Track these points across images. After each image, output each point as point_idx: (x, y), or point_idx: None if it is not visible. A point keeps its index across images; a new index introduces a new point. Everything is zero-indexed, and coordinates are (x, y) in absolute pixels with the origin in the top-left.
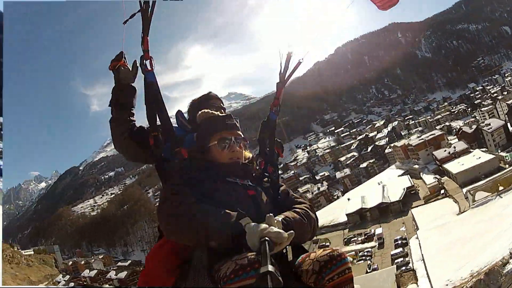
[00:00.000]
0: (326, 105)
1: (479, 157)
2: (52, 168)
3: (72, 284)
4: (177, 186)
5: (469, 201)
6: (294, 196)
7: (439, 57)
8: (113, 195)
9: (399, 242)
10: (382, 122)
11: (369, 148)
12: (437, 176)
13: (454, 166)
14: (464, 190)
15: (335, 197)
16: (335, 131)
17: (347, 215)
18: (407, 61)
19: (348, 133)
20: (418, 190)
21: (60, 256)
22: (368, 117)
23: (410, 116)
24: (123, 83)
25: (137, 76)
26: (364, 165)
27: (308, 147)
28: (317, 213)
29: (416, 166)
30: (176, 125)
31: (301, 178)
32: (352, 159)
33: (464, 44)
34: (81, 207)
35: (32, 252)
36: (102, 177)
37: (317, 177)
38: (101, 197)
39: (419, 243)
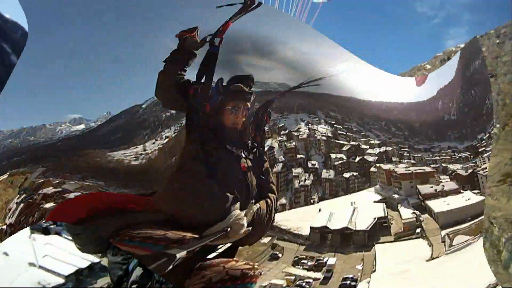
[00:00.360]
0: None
1: (469, 199)
2: (102, 110)
3: (21, 205)
4: (190, 161)
5: (445, 245)
6: (271, 179)
7: (463, 116)
8: (167, 139)
9: (347, 282)
10: (377, 142)
11: (357, 159)
12: (416, 211)
13: (438, 205)
14: (443, 232)
15: (311, 202)
16: (335, 125)
17: (311, 228)
18: (432, 124)
19: (344, 134)
20: (391, 223)
21: (35, 176)
22: (366, 133)
23: (407, 149)
24: (186, 49)
25: (200, 48)
26: (347, 175)
27: (309, 125)
28: (289, 211)
29: (396, 196)
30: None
31: (298, 156)
32: (340, 161)
33: (477, 90)
34: (123, 153)
35: (6, 176)
36: (163, 115)
37: (309, 165)
38: (153, 143)
39: None
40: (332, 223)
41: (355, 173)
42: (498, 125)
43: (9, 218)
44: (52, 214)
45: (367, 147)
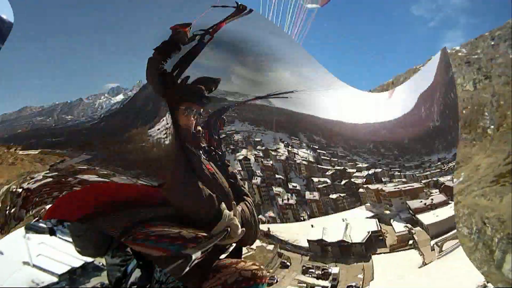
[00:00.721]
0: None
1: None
2: (136, 78)
3: (49, 179)
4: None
5: (435, 252)
6: (240, 183)
7: (445, 120)
8: None
9: None
10: (365, 165)
11: (343, 182)
12: (408, 225)
13: (428, 217)
14: (432, 242)
15: (302, 218)
16: (318, 150)
17: (308, 241)
18: (420, 137)
19: (328, 159)
20: (386, 237)
21: (76, 161)
22: (354, 157)
23: (398, 168)
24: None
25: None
26: (334, 196)
27: (289, 147)
28: (282, 225)
29: (388, 212)
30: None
31: (277, 176)
32: (324, 185)
33: (454, 92)
34: (157, 129)
35: (36, 152)
36: None
37: (290, 186)
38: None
39: None
40: (327, 236)
41: (342, 194)
42: (492, 126)
43: (28, 184)
44: (51, 210)
45: (354, 170)
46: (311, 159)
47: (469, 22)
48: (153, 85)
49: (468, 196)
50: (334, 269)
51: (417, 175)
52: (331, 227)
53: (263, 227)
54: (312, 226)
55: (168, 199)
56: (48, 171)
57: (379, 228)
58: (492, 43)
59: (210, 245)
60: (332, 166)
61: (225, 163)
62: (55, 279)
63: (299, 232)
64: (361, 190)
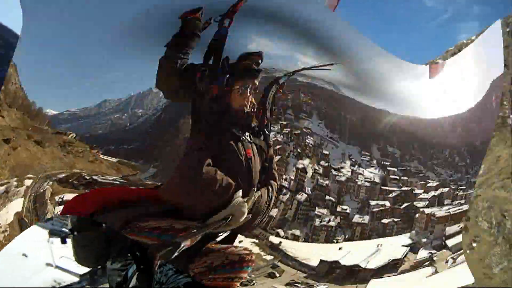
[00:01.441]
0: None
1: None
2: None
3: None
4: (195, 152)
5: (448, 264)
6: (274, 166)
7: None
8: None
9: None
10: (435, 184)
11: (404, 205)
12: (432, 251)
13: (454, 241)
14: (449, 256)
15: (335, 241)
16: (388, 167)
17: (321, 261)
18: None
19: (398, 179)
20: (403, 263)
21: (144, 177)
22: (427, 173)
23: (464, 187)
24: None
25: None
26: (386, 221)
27: (356, 166)
28: (303, 243)
29: (424, 240)
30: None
31: (327, 198)
32: (381, 208)
33: None
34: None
35: (114, 160)
36: None
37: (338, 209)
38: None
39: None
40: (345, 260)
41: (396, 219)
42: (511, 116)
43: (98, 178)
44: (65, 208)
45: (421, 192)
46: (377, 180)
47: (483, 11)
48: (167, 88)
49: (488, 189)
50: (321, 287)
51: (475, 195)
52: (359, 251)
53: (275, 239)
54: (340, 248)
55: (163, 198)
56: (119, 178)
57: (402, 257)
58: (508, 29)
59: (201, 234)
60: (399, 188)
61: (268, 144)
62: (76, 279)
63: (316, 253)
64: (417, 215)
